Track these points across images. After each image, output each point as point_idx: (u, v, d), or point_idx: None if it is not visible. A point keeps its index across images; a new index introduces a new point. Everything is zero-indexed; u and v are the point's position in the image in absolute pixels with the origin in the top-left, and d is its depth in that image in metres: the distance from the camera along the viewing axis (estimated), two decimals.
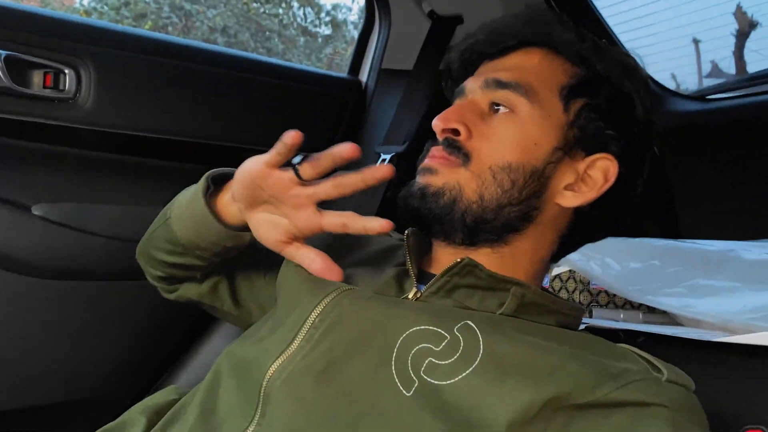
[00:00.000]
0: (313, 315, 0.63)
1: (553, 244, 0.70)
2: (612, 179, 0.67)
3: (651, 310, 1.04)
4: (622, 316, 1.08)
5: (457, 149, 0.66)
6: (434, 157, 0.67)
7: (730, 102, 1.54)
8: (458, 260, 0.63)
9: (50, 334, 1.09)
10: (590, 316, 1.09)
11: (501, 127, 0.67)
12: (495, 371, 0.56)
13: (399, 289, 0.68)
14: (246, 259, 0.84)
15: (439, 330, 0.59)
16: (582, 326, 0.92)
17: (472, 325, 0.59)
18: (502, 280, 0.63)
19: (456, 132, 0.67)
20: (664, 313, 1.00)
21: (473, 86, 0.70)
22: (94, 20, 1.22)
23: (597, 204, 0.68)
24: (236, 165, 1.26)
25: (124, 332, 1.18)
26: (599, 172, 0.68)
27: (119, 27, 1.15)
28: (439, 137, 0.68)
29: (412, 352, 0.58)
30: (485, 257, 0.66)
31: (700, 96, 1.60)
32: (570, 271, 1.12)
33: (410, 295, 0.66)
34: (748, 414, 0.71)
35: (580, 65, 0.69)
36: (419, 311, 0.61)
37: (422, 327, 0.59)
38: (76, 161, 1.11)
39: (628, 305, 1.11)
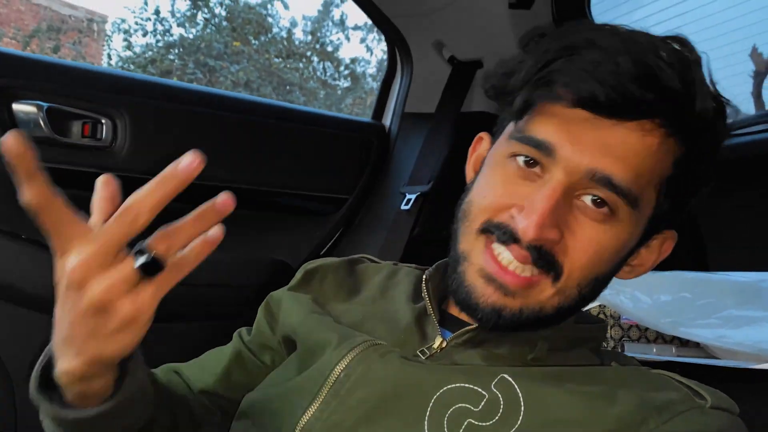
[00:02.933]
0: (338, 369, 0.59)
1: None
2: (666, 254, 0.63)
3: (683, 344, 1.02)
4: (654, 350, 1.07)
5: (549, 264, 0.56)
6: (507, 269, 0.56)
7: (753, 137, 1.55)
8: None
9: None
10: (622, 351, 1.08)
11: (598, 234, 0.56)
12: (541, 428, 0.53)
13: (422, 336, 0.64)
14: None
15: (476, 388, 0.55)
16: None
17: (509, 379, 0.55)
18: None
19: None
20: (698, 345, 0.98)
21: (573, 162, 0.55)
22: (128, 72, 1.28)
23: None
24: (267, 209, 1.30)
25: None
26: (656, 246, 0.63)
27: (152, 78, 1.21)
28: (527, 243, 0.55)
29: (449, 412, 0.54)
30: None
31: None
32: (600, 306, 1.11)
33: (435, 345, 0.62)
34: None
35: (682, 142, 0.57)
36: (452, 370, 0.58)
37: (457, 385, 0.56)
38: None
39: (660, 339, 1.09)
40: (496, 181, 0.60)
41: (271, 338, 0.75)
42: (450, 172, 1.31)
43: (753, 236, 1.45)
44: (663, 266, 1.22)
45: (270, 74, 4.71)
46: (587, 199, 0.56)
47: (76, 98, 1.08)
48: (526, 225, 0.54)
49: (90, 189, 1.13)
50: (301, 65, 5.44)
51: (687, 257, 1.51)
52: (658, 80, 0.53)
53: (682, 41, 0.58)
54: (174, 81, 1.33)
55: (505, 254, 0.56)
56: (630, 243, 0.59)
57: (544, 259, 0.55)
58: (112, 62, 5.26)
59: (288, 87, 4.85)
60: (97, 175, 1.08)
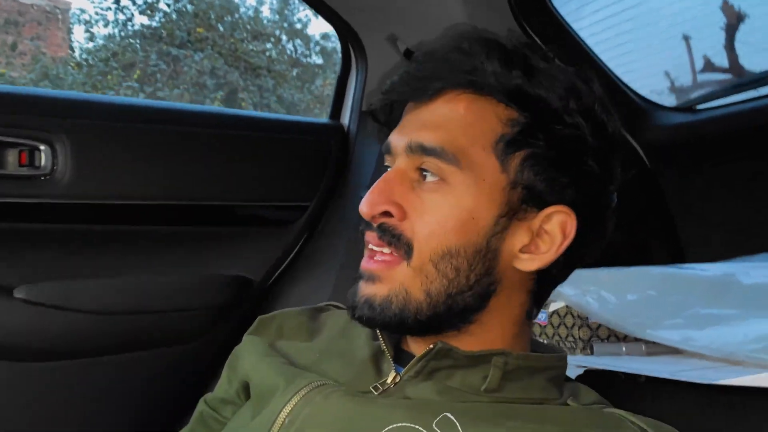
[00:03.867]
0: (283, 414, 0.60)
1: (524, 304, 0.65)
2: (571, 234, 0.61)
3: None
4: (624, 349, 1.05)
5: (396, 238, 0.60)
6: (371, 259, 0.62)
7: (721, 111, 1.51)
8: (431, 346, 0.59)
9: (40, 419, 1.07)
10: (591, 352, 1.06)
11: (433, 201, 0.60)
12: None
13: (377, 372, 0.64)
14: None
15: (417, 427, 0.55)
16: (581, 370, 0.89)
17: (452, 417, 0.56)
18: (481, 355, 0.60)
19: (388, 214, 0.61)
20: None
21: (398, 146, 0.62)
22: (64, 92, 1.22)
23: (559, 258, 0.62)
24: (223, 223, 1.26)
25: (116, 407, 1.16)
26: (556, 227, 0.61)
27: (89, 96, 1.15)
28: (372, 223, 0.62)
29: None
30: (455, 339, 0.62)
31: (688, 107, 1.58)
32: (567, 306, 1.09)
33: (389, 380, 0.62)
34: None
35: (513, 105, 0.60)
36: (395, 407, 0.58)
37: (399, 424, 0.56)
38: (57, 237, 1.10)
39: (630, 337, 1.07)
40: None
41: (229, 390, 0.75)
42: None
43: (727, 217, 1.43)
44: (639, 258, 1.21)
45: (236, 59, 4.61)
46: (416, 175, 0.61)
47: (8, 125, 1.02)
48: (361, 205, 0.61)
49: (30, 220, 1.09)
50: (269, 46, 5.33)
51: (659, 246, 1.50)
52: (451, 58, 0.62)
53: (532, 46, 0.64)
54: (113, 96, 1.28)
55: (367, 242, 0.63)
56: (480, 211, 0.59)
57: (389, 234, 0.60)
58: (76, 54, 5.13)
59: (256, 70, 4.75)
60: (38, 205, 1.06)
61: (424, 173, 0.61)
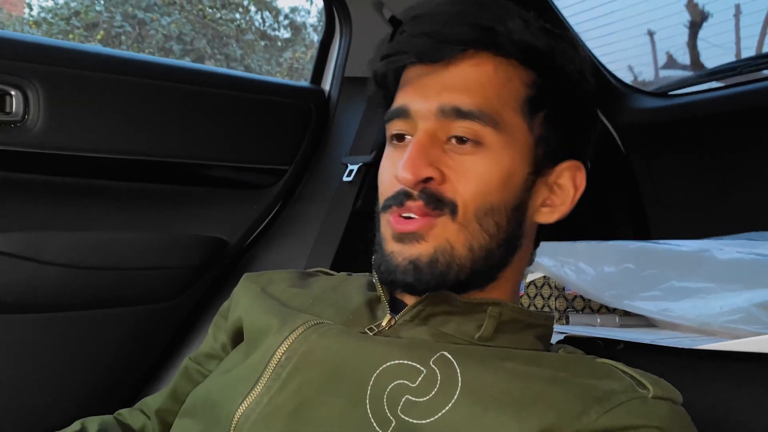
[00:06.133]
0: (279, 352, 0.60)
1: (531, 256, 0.69)
2: (582, 187, 0.65)
3: (627, 313, 1.03)
4: (599, 320, 1.07)
5: (439, 201, 0.59)
6: (415, 219, 0.60)
7: (692, 98, 1.55)
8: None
9: (4, 372, 1.04)
10: (567, 323, 1.08)
11: (473, 165, 0.60)
12: (475, 406, 0.53)
13: (371, 317, 0.65)
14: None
15: (414, 364, 0.56)
16: (561, 336, 0.91)
17: (449, 356, 0.56)
18: (478, 303, 0.61)
19: (429, 179, 0.60)
20: (641, 315, 0.99)
21: (423, 109, 0.61)
22: (39, 38, 1.16)
23: None
24: (199, 182, 1.24)
25: (87, 365, 1.13)
26: (568, 181, 0.65)
27: (66, 43, 1.10)
28: (413, 190, 0.60)
29: (388, 389, 0.55)
30: (471, 295, 0.63)
31: (662, 92, 1.61)
32: (544, 277, 1.11)
33: (384, 323, 0.63)
34: (734, 422, 0.70)
35: (532, 68, 0.63)
36: (391, 344, 0.58)
37: (396, 362, 0.56)
38: (27, 187, 1.05)
39: (605, 309, 1.10)
40: (385, 167, 0.64)
41: (215, 346, 0.75)
42: None
43: (695, 199, 1.47)
44: (606, 235, 1.23)
45: (204, 26, 4.49)
46: (453, 140, 0.60)
47: None
48: (400, 172, 0.58)
49: (2, 168, 1.05)
50: (237, 15, 5.21)
51: (629, 223, 1.54)
52: (467, 17, 0.61)
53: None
54: (91, 45, 1.23)
55: (404, 215, 0.60)
56: (515, 169, 0.61)
57: (434, 198, 0.59)
58: (34, 12, 4.92)
59: (224, 39, 4.64)
60: (7, 152, 1.01)
61: (459, 138, 0.60)
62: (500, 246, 0.62)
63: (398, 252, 0.60)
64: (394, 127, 0.63)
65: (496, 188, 0.60)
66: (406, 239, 0.60)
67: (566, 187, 0.65)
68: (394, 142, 0.64)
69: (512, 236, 0.63)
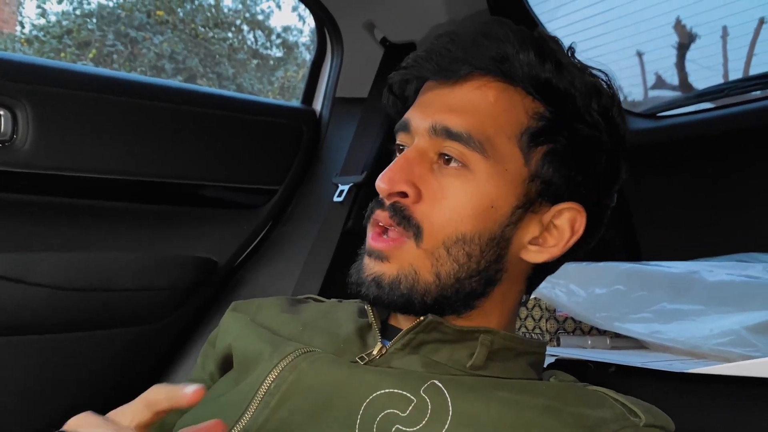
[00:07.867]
0: (269, 379, 0.59)
1: (521, 292, 0.67)
2: (580, 231, 0.62)
3: (618, 334, 1.03)
4: (589, 342, 1.07)
5: (406, 219, 0.59)
6: (380, 237, 0.61)
7: (681, 119, 1.57)
8: (421, 318, 0.60)
9: None
10: (558, 344, 1.08)
11: (453, 187, 0.59)
12: None
13: (362, 345, 0.64)
14: None
15: (404, 393, 0.55)
16: (552, 359, 0.90)
17: (439, 384, 0.56)
18: (469, 331, 0.60)
19: (404, 194, 0.60)
20: (632, 337, 0.99)
21: (420, 126, 0.61)
22: (28, 57, 1.16)
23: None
24: (189, 202, 1.23)
25: (75, 387, 1.11)
26: (566, 223, 0.62)
27: (56, 63, 1.10)
28: (386, 200, 0.61)
29: (378, 418, 0.54)
30: (452, 320, 0.62)
31: (651, 114, 1.63)
32: (535, 299, 1.10)
33: (375, 351, 0.62)
34: None
35: (540, 98, 0.61)
36: (382, 373, 0.58)
37: (386, 390, 0.55)
38: (15, 207, 1.04)
39: (595, 331, 1.10)
40: None
41: (203, 374, 0.74)
42: (384, 161, 1.26)
43: (684, 220, 1.47)
44: (596, 256, 1.24)
45: (196, 45, 4.51)
46: (435, 157, 0.61)
47: None
48: (378, 181, 0.60)
49: None
50: (230, 35, 5.24)
51: (619, 245, 1.54)
52: (483, 41, 0.60)
53: (556, 40, 0.64)
54: (80, 65, 1.22)
55: (376, 220, 0.61)
56: (500, 200, 0.60)
57: (400, 215, 0.59)
58: (26, 30, 4.92)
59: (216, 58, 4.66)
60: None
61: (445, 157, 0.60)
62: (472, 276, 0.60)
63: (367, 266, 0.61)
64: (398, 139, 0.65)
65: (472, 217, 0.59)
66: (374, 255, 0.61)
67: (563, 228, 0.62)
68: (397, 153, 0.65)
69: (487, 268, 0.61)
